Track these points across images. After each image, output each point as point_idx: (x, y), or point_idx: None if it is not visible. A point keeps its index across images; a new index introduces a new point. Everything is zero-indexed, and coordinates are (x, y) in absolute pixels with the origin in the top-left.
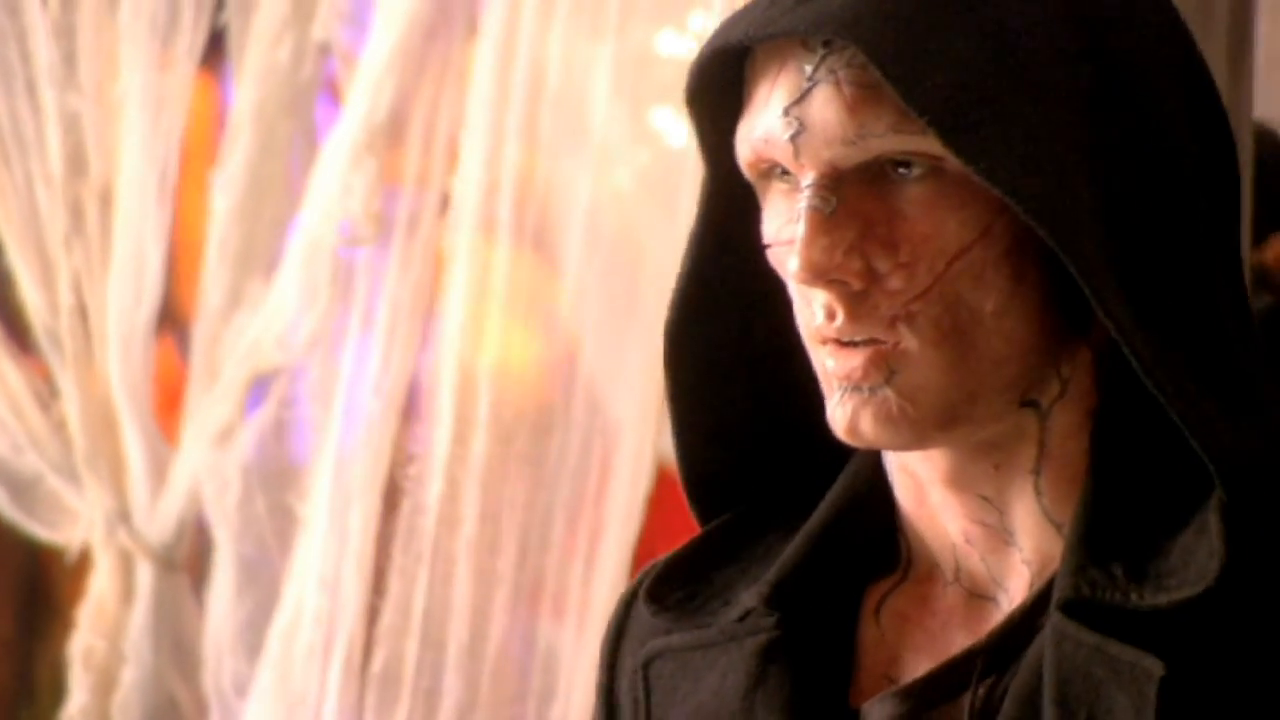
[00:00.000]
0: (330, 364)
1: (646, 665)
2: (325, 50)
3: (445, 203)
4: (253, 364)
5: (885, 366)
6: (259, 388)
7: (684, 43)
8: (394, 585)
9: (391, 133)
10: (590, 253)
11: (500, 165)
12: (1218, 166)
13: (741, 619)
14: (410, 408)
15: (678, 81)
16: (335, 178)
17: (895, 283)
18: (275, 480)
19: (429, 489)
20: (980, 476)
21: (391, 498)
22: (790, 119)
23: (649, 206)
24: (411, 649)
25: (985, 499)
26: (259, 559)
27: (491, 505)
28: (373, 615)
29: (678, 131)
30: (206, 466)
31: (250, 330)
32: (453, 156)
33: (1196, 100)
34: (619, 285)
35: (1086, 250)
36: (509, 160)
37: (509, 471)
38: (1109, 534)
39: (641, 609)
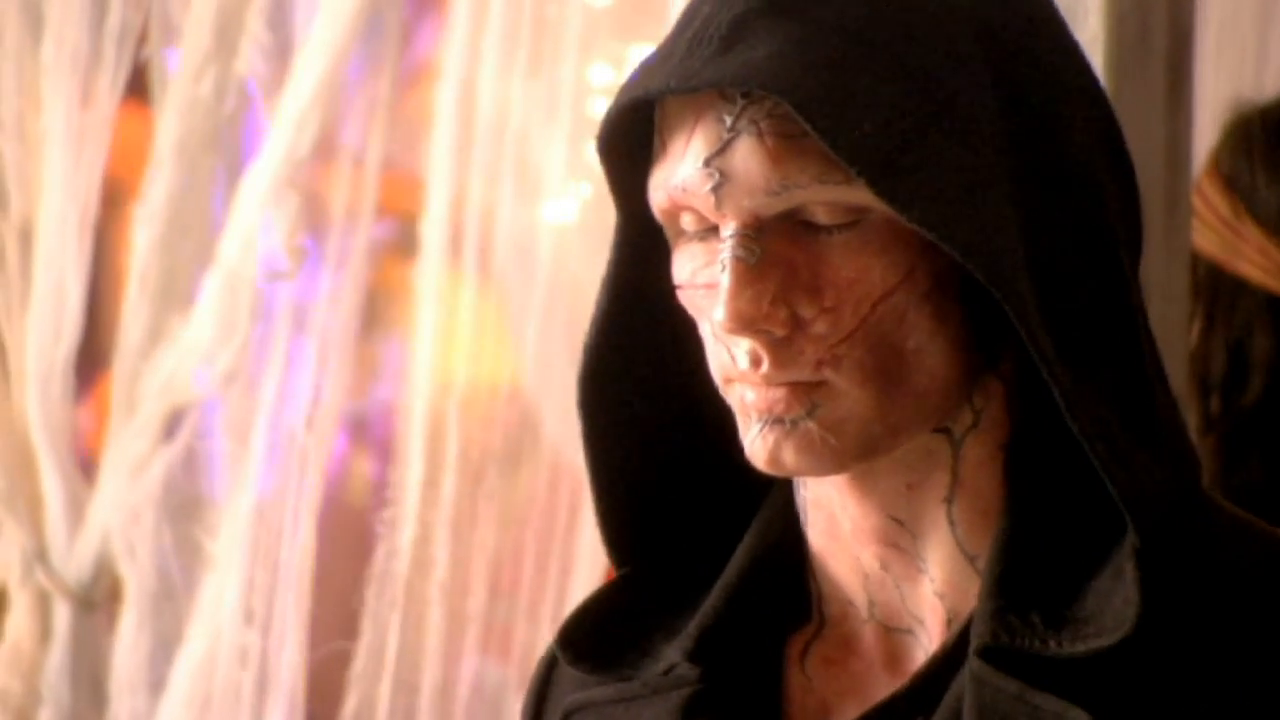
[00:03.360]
0: (250, 397)
1: (567, 719)
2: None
3: (396, 234)
4: (170, 399)
5: (808, 400)
6: (175, 422)
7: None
8: (367, 630)
9: (317, 165)
10: (549, 289)
11: (465, 204)
12: (1128, 197)
13: (665, 673)
14: (383, 452)
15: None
16: (256, 211)
17: (820, 327)
18: (182, 513)
19: (403, 533)
20: (893, 495)
21: (365, 542)
22: (711, 170)
23: (598, 242)
24: (384, 693)
25: (898, 521)
26: (162, 593)
27: (461, 547)
28: (345, 660)
29: None
30: (116, 500)
31: (166, 365)
32: (384, 188)
33: (1103, 129)
34: (576, 322)
35: (1018, 290)
36: (473, 199)
37: (478, 512)
38: (1025, 576)
39: (564, 669)
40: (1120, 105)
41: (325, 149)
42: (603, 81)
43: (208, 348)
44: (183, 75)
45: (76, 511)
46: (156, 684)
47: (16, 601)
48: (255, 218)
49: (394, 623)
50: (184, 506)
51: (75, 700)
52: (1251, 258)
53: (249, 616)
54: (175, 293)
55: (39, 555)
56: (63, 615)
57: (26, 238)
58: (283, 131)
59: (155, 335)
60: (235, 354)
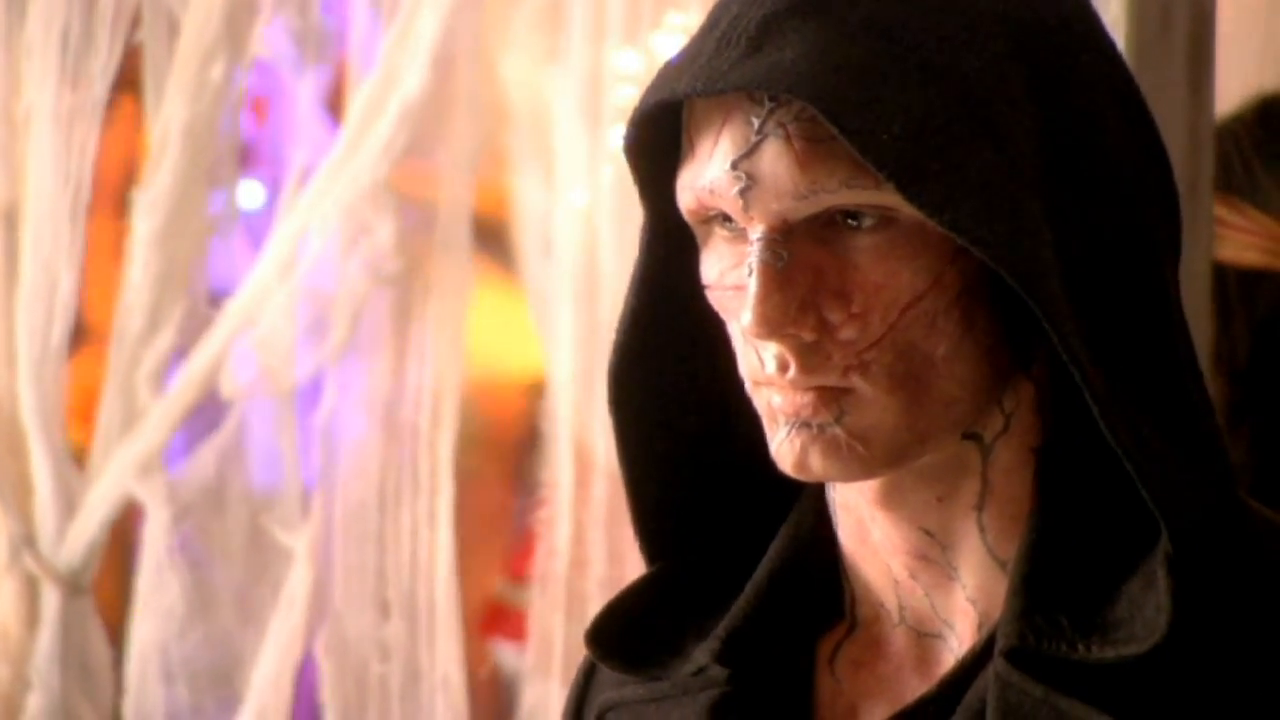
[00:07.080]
0: (333, 393)
1: (601, 718)
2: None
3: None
4: (201, 392)
5: (836, 406)
6: (213, 412)
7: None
8: (534, 629)
9: (411, 164)
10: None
11: (598, 210)
12: (1165, 199)
13: (695, 674)
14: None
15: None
16: (341, 212)
17: (848, 333)
18: (240, 505)
19: (558, 532)
20: (922, 508)
21: (525, 542)
22: (739, 173)
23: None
24: (555, 690)
25: (928, 533)
26: (220, 584)
27: (616, 544)
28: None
29: None
30: (151, 492)
31: (199, 356)
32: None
33: (1139, 132)
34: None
35: (1051, 294)
36: (605, 205)
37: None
38: (1054, 578)
39: (605, 672)
40: (1141, 87)
41: (418, 148)
42: (627, 68)
43: (286, 346)
44: (189, 60)
45: (67, 497)
46: (200, 674)
47: (3, 587)
48: (348, 221)
49: (558, 620)
50: (240, 500)
51: (65, 685)
52: (1262, 245)
53: (384, 609)
54: (175, 279)
55: (27, 540)
56: (51, 600)
57: (11, 221)
58: (377, 134)
59: (154, 323)
60: (328, 354)
